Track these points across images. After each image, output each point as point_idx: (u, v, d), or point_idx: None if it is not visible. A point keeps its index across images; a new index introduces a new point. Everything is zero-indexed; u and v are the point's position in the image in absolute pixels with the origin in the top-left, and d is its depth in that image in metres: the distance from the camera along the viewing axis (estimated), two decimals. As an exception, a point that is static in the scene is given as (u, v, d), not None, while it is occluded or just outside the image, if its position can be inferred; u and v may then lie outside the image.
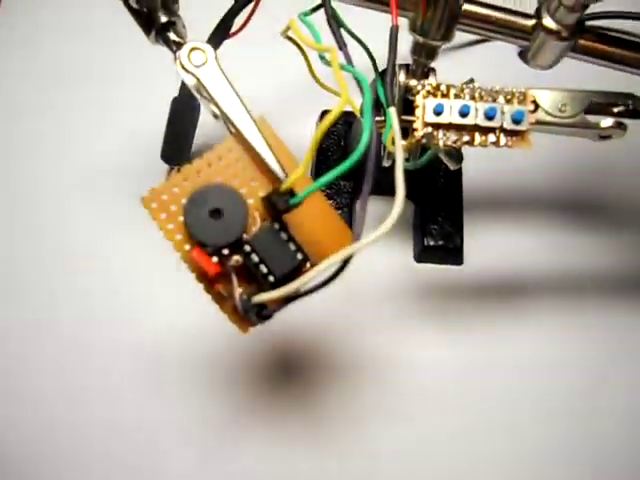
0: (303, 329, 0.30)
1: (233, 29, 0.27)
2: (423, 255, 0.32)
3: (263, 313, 0.17)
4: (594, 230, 0.33)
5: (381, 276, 0.32)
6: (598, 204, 0.34)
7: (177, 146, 0.31)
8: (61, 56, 0.37)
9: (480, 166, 0.33)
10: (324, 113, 0.34)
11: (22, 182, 0.33)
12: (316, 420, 0.28)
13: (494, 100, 0.19)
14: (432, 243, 0.31)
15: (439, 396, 0.29)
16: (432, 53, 0.23)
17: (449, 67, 0.25)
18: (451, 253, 0.31)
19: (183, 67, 0.20)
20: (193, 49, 0.20)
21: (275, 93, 0.36)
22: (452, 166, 0.25)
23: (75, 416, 0.28)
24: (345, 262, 0.16)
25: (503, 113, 0.19)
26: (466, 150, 0.24)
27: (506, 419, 0.29)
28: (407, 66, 0.24)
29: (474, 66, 0.30)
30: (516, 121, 0.19)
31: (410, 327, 0.30)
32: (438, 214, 0.32)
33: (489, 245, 0.32)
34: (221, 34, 0.27)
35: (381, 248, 0.32)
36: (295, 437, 0.28)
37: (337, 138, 0.33)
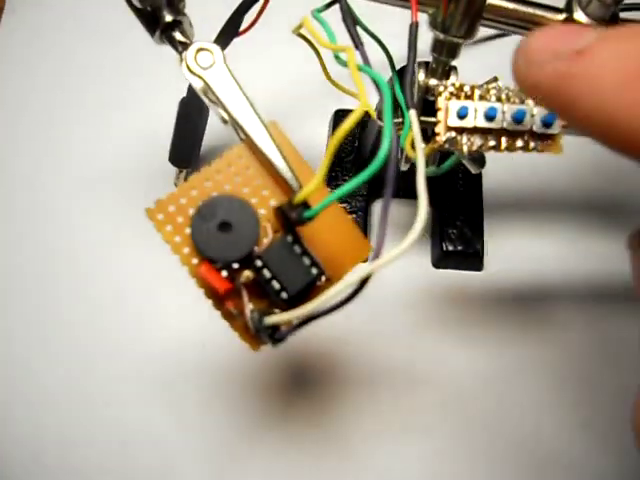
0: (316, 339, 0.29)
1: (242, 27, 0.25)
2: (442, 260, 0.30)
3: (276, 336, 0.16)
4: (621, 235, 0.31)
5: (397, 283, 0.30)
6: (626, 207, 0.32)
7: (186, 148, 0.30)
8: (66, 56, 0.36)
9: (501, 168, 0.32)
10: (337, 113, 0.33)
11: (25, 186, 0.32)
12: (331, 433, 0.27)
13: (522, 101, 0.18)
14: (451, 248, 0.30)
15: (459, 408, 0.28)
16: (454, 51, 0.21)
17: (468, 63, 0.24)
18: (471, 258, 0.30)
19: (189, 69, 0.19)
20: (200, 49, 0.18)
21: (285, 93, 0.35)
22: (474, 170, 0.24)
23: (82, 428, 0.27)
24: (364, 281, 0.15)
25: (532, 115, 0.18)
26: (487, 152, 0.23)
27: (531, 433, 0.27)
28: (427, 64, 0.23)
29: (494, 61, 0.28)
30: (547, 124, 0.18)
31: (428, 336, 0.29)
32: (457, 218, 0.30)
33: (510, 250, 0.31)
34: (229, 33, 0.26)
35: (387, 265, 0.31)
36: (310, 451, 0.27)
37: (351, 139, 0.32)
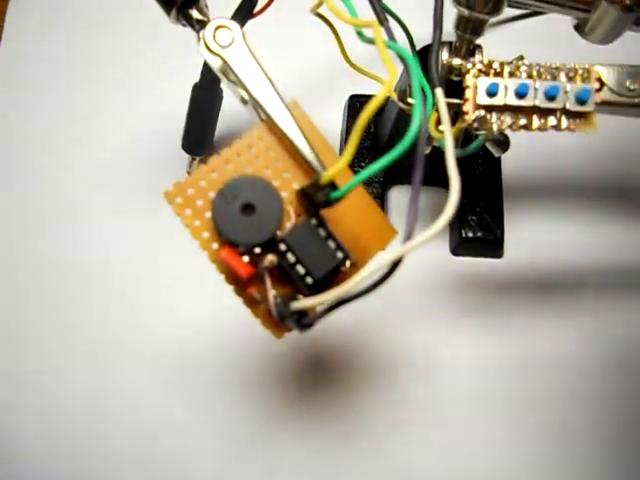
0: (334, 327, 0.29)
1: (257, 9, 0.25)
2: (460, 248, 0.30)
3: (304, 321, 0.15)
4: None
5: (415, 270, 0.30)
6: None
7: (199, 135, 0.30)
8: (77, 43, 0.35)
9: (521, 152, 0.31)
10: (352, 98, 0.32)
11: (37, 176, 0.32)
12: (349, 421, 0.27)
13: (554, 78, 0.17)
14: (470, 235, 0.29)
15: (479, 397, 0.27)
16: (479, 28, 0.20)
17: (490, 44, 0.23)
18: (491, 245, 0.29)
19: (208, 48, 0.18)
20: (219, 27, 0.18)
21: (299, 78, 0.34)
22: (497, 153, 0.23)
23: (96, 420, 0.27)
24: (395, 264, 0.15)
25: (566, 92, 0.17)
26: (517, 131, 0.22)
27: (553, 422, 0.27)
28: (450, 44, 0.22)
29: (517, 43, 0.27)
30: (581, 101, 0.17)
31: (447, 324, 0.29)
32: (476, 204, 0.29)
33: (531, 236, 0.30)
34: (244, 14, 0.25)
35: (420, 247, 0.30)
36: (327, 439, 0.27)
37: (368, 125, 0.31)
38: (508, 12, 0.34)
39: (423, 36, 0.23)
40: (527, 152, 0.31)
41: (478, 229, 0.29)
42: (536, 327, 0.28)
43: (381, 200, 0.30)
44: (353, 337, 0.28)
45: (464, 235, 0.29)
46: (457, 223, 0.29)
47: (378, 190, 0.30)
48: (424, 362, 0.28)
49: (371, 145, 0.31)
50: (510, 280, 0.30)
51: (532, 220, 0.31)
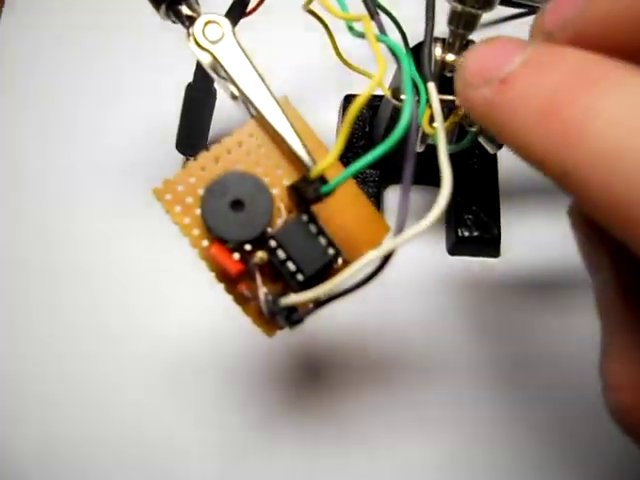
0: (329, 328, 0.28)
1: (250, 7, 0.25)
2: (457, 247, 0.29)
3: (293, 317, 0.15)
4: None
5: (411, 270, 0.29)
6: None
7: (193, 135, 0.30)
8: (71, 41, 0.35)
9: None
10: (347, 98, 0.32)
11: (31, 176, 0.32)
12: (344, 423, 0.27)
13: (548, 71, 0.17)
14: (467, 234, 0.29)
15: (476, 400, 0.27)
16: (471, 23, 0.20)
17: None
18: (487, 244, 0.29)
19: (197, 43, 0.18)
20: (208, 22, 0.18)
21: (293, 79, 0.34)
22: (492, 150, 0.23)
23: (90, 424, 0.26)
24: (386, 258, 0.14)
25: (559, 85, 0.17)
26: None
27: (553, 422, 0.27)
28: (443, 40, 0.22)
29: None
30: (574, 94, 0.17)
31: (443, 324, 0.28)
32: (473, 203, 0.29)
33: (528, 235, 0.30)
34: (237, 12, 0.25)
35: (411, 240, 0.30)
36: (324, 443, 0.26)
37: (362, 123, 0.31)
38: (508, 11, 0.35)
39: (418, 33, 0.23)
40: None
41: (474, 228, 0.29)
42: (534, 327, 0.28)
43: (377, 199, 0.30)
44: (348, 337, 0.28)
45: (460, 234, 0.29)
46: (453, 222, 0.29)
47: (374, 189, 0.30)
48: (420, 362, 0.28)
49: (366, 145, 0.31)
50: (507, 279, 0.29)
51: (529, 218, 0.30)
